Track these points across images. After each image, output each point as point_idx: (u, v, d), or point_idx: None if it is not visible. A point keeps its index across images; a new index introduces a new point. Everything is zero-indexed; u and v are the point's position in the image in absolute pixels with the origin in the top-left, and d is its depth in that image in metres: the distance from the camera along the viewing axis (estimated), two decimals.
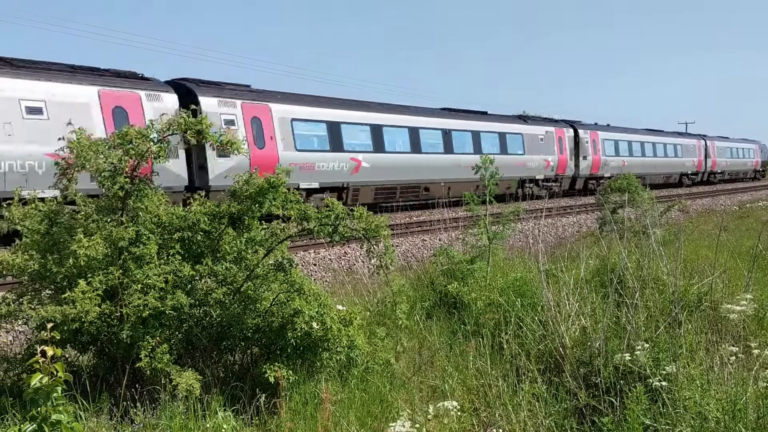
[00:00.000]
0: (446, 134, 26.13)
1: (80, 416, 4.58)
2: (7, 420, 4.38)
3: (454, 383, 5.52)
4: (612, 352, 5.34)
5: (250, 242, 5.79)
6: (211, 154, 17.46)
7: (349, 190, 21.84)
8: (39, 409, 3.79)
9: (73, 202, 5.62)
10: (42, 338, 4.01)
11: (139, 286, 5.15)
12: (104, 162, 5.28)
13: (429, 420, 4.64)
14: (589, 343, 5.55)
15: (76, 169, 5.30)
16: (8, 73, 14.45)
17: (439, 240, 16.25)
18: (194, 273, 5.50)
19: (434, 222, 18.73)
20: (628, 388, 4.72)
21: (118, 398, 5.02)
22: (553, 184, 32.29)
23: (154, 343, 5.05)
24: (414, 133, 24.60)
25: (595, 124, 38.62)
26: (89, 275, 5.08)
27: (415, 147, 24.58)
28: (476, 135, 27.60)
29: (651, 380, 4.75)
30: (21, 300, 5.42)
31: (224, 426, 4.71)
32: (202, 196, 6.00)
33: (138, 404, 4.90)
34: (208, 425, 4.70)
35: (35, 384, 3.75)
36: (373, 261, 5.83)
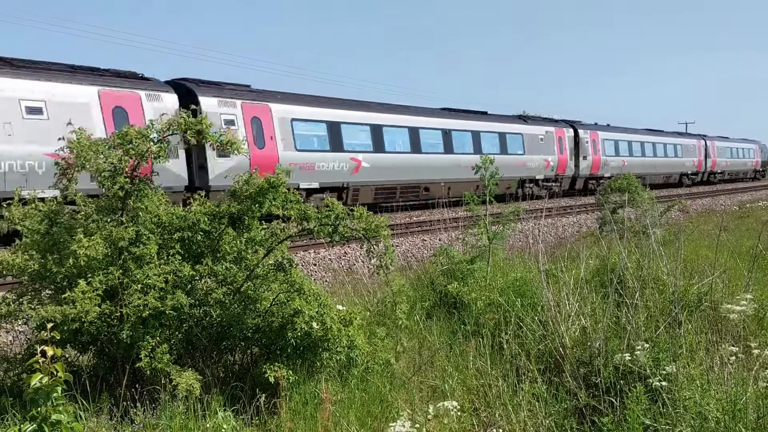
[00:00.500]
0: (446, 134, 26.12)
1: (80, 416, 4.57)
2: (7, 420, 4.38)
3: (454, 383, 5.52)
4: (612, 352, 5.34)
5: (250, 242, 5.79)
6: (211, 154, 17.46)
7: (349, 190, 21.84)
8: (39, 409, 3.79)
9: (73, 202, 5.62)
10: (42, 338, 4.01)
11: (139, 286, 5.15)
12: (104, 162, 5.28)
13: (429, 420, 4.63)
14: (589, 343, 5.54)
15: (76, 169, 5.29)
16: (8, 73, 14.45)
17: (439, 240, 16.24)
18: (194, 273, 5.50)
19: (434, 222, 18.72)
20: (628, 388, 4.72)
21: (118, 398, 5.02)
22: (553, 184, 32.29)
23: (154, 343, 5.05)
24: (414, 133, 24.60)
25: (595, 124, 38.62)
26: (89, 275, 5.08)
27: (415, 147, 24.58)
28: (476, 135, 27.61)
29: (651, 380, 4.75)
30: (21, 300, 5.42)
31: (224, 426, 4.71)
32: (202, 196, 6.00)
33: (138, 404, 4.90)
34: (208, 425, 4.69)
35: (35, 384, 3.75)
36: (373, 261, 5.83)
